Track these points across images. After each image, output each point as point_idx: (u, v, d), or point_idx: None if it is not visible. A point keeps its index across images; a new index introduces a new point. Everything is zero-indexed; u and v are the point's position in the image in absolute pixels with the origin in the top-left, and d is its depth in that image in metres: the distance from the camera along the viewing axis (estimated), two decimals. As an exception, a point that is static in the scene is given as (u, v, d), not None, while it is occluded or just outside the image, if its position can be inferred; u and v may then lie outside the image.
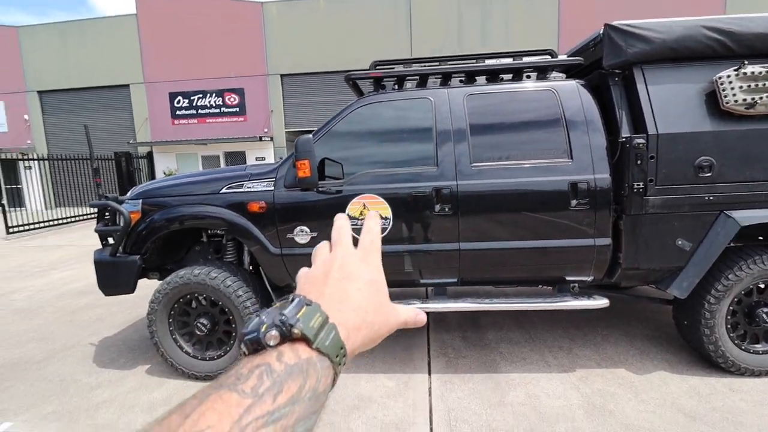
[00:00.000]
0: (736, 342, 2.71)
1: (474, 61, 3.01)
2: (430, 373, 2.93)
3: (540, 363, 3.01)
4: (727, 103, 2.51)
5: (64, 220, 11.61)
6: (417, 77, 2.97)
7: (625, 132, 2.66)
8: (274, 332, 0.31)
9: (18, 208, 10.44)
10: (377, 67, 2.98)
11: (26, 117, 17.35)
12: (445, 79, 2.97)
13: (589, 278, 2.84)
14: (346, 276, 0.39)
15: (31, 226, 10.56)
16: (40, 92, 17.21)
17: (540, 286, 3.04)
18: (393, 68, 3.00)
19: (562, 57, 2.99)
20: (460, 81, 3.01)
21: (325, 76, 15.50)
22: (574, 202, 2.65)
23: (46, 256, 7.50)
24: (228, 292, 2.70)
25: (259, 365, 0.30)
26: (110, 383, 2.96)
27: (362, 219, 2.72)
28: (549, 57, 2.94)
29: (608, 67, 2.75)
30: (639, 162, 2.58)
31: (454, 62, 3.06)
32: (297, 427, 0.28)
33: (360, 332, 0.36)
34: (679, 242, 2.65)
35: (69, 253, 7.75)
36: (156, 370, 3.09)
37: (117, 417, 2.56)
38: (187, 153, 16.47)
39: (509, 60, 2.99)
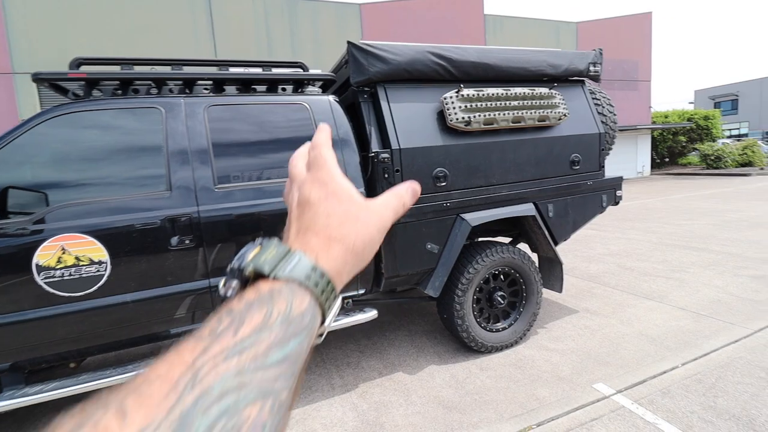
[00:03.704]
0: (482, 325, 3.14)
1: (217, 68, 2.67)
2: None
3: (325, 387, 2.88)
4: (451, 120, 2.86)
5: None
6: (152, 83, 2.45)
7: (375, 147, 2.77)
8: (233, 282, 0.32)
9: None
10: (81, 67, 2.32)
11: None
12: (187, 87, 2.54)
13: (360, 291, 2.85)
14: (304, 204, 0.39)
15: None
16: None
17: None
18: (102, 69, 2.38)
19: (316, 71, 2.95)
20: (205, 89, 2.62)
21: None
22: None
23: None
24: None
25: (218, 311, 0.29)
26: None
27: (60, 268, 2.04)
28: (300, 70, 2.85)
29: (355, 85, 2.81)
30: (386, 175, 2.70)
31: (197, 67, 2.65)
32: (272, 354, 0.26)
33: (331, 249, 0.36)
34: (429, 246, 2.89)
35: None
36: None
37: None
38: None
39: (258, 70, 2.78)
